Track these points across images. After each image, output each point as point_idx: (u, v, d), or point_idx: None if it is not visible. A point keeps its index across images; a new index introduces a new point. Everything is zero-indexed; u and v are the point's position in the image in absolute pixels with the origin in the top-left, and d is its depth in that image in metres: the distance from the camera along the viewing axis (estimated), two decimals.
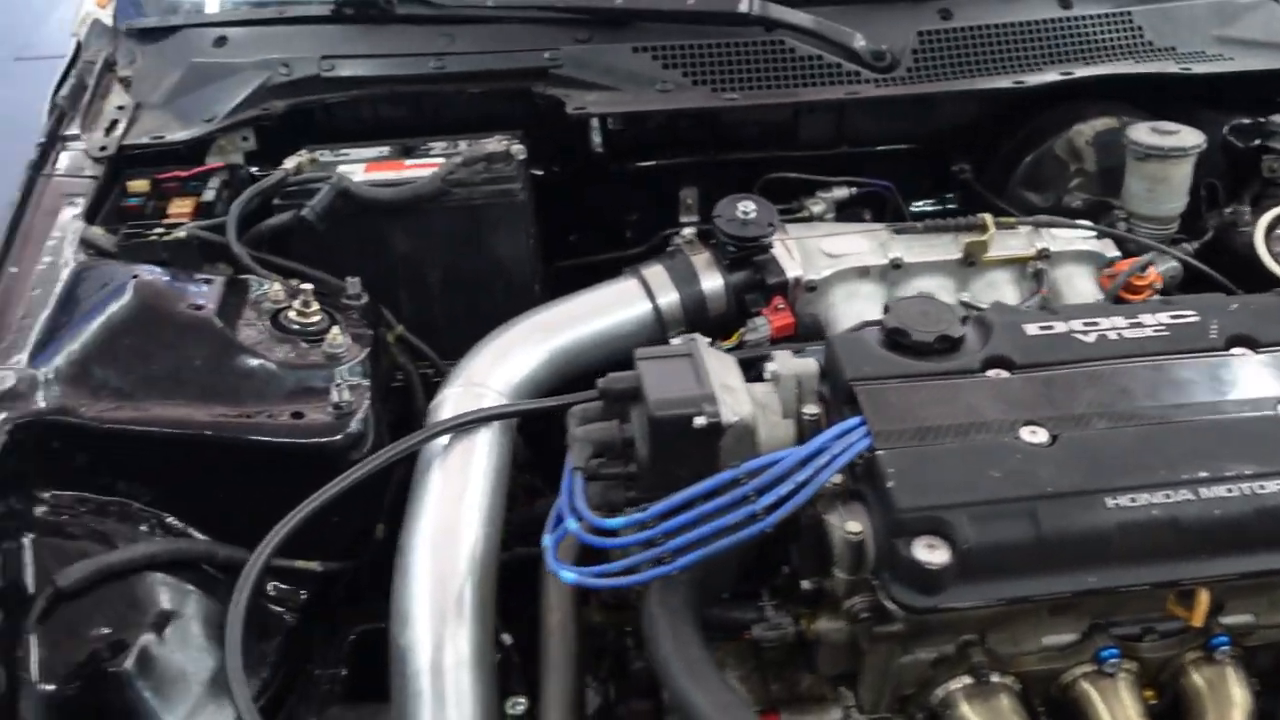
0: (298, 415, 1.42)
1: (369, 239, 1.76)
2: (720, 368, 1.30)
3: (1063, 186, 2.02)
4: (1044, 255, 1.74)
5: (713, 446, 1.24)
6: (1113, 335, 1.28)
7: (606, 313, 1.69)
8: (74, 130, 1.82)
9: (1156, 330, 1.29)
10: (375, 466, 1.38)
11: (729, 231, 1.70)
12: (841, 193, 1.94)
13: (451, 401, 1.54)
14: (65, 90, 1.89)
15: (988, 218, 1.76)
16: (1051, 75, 1.95)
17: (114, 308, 1.45)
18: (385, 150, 1.83)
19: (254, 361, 1.45)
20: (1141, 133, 1.86)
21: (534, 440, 1.68)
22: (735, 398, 1.25)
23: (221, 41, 1.94)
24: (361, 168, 1.79)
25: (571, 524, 1.21)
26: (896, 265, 1.73)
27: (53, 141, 1.78)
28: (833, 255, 1.74)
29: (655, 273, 1.72)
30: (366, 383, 1.48)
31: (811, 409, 1.28)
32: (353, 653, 1.52)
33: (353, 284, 1.63)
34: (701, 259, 1.73)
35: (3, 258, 1.53)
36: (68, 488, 1.37)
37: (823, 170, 1.95)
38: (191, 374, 1.42)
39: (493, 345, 1.63)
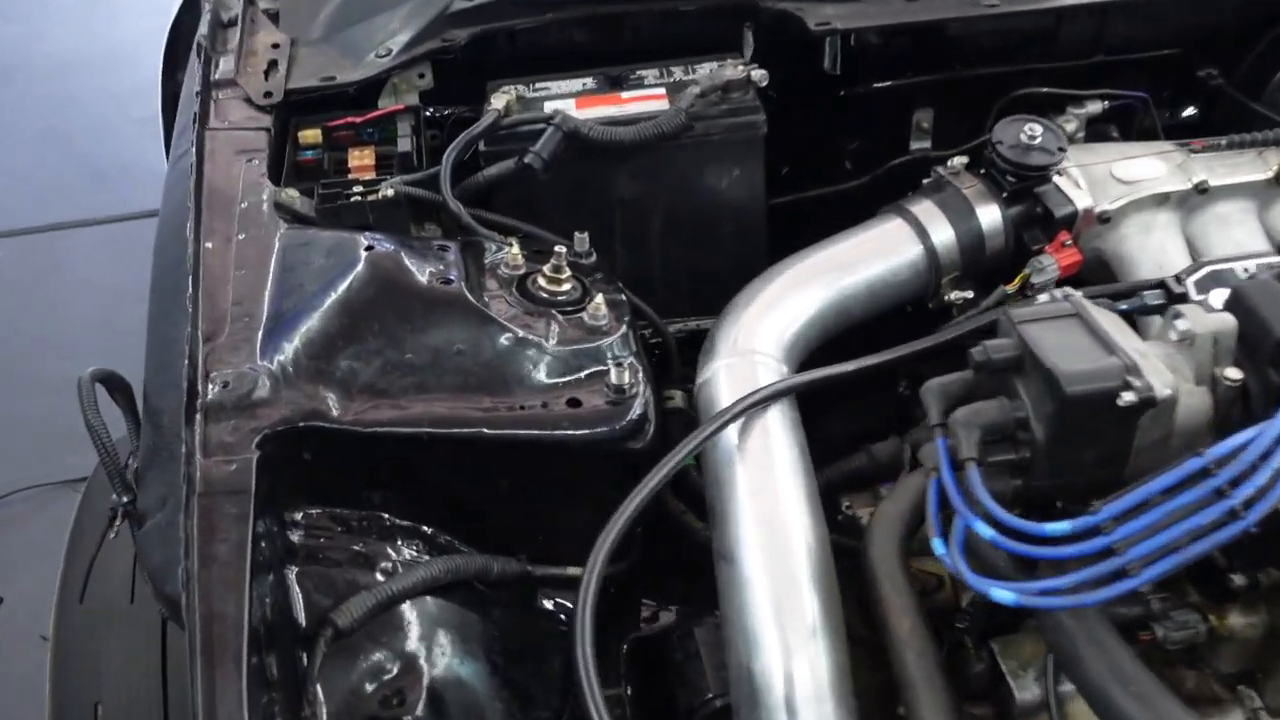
0: (574, 403, 1.20)
1: (587, 185, 1.52)
2: (1116, 329, 1.09)
3: None
4: None
5: (1131, 426, 1.03)
6: None
7: (873, 258, 1.47)
8: (225, 72, 1.56)
9: None
10: (681, 459, 1.17)
11: (1012, 159, 1.46)
12: (1095, 107, 1.70)
13: (726, 374, 1.32)
14: (204, 28, 1.62)
15: None
16: None
17: (350, 286, 1.21)
18: (589, 82, 1.59)
19: (516, 342, 1.22)
20: None
21: None
22: (1153, 366, 1.04)
23: None
24: (570, 104, 1.54)
25: (983, 529, 1.00)
26: (1202, 190, 1.50)
27: (208, 88, 1.52)
28: (1126, 182, 1.51)
29: (924, 209, 1.49)
30: (638, 361, 1.25)
31: (1233, 373, 1.07)
32: (630, 668, 1.32)
33: (581, 240, 1.39)
34: (974, 190, 1.50)
35: (195, 231, 1.28)
36: (319, 504, 1.16)
37: (1068, 83, 1.70)
38: (452, 361, 1.19)
39: (755, 303, 1.40)
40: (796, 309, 1.41)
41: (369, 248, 1.25)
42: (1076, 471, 1.05)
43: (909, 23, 1.56)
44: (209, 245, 1.28)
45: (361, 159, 1.53)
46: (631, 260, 1.57)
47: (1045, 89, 1.68)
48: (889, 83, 1.66)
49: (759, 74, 1.49)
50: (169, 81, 1.87)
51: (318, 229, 1.33)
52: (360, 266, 1.23)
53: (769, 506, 1.18)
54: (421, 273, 1.24)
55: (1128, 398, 1.00)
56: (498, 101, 1.48)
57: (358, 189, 1.38)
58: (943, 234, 1.47)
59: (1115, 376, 1.01)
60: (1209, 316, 1.09)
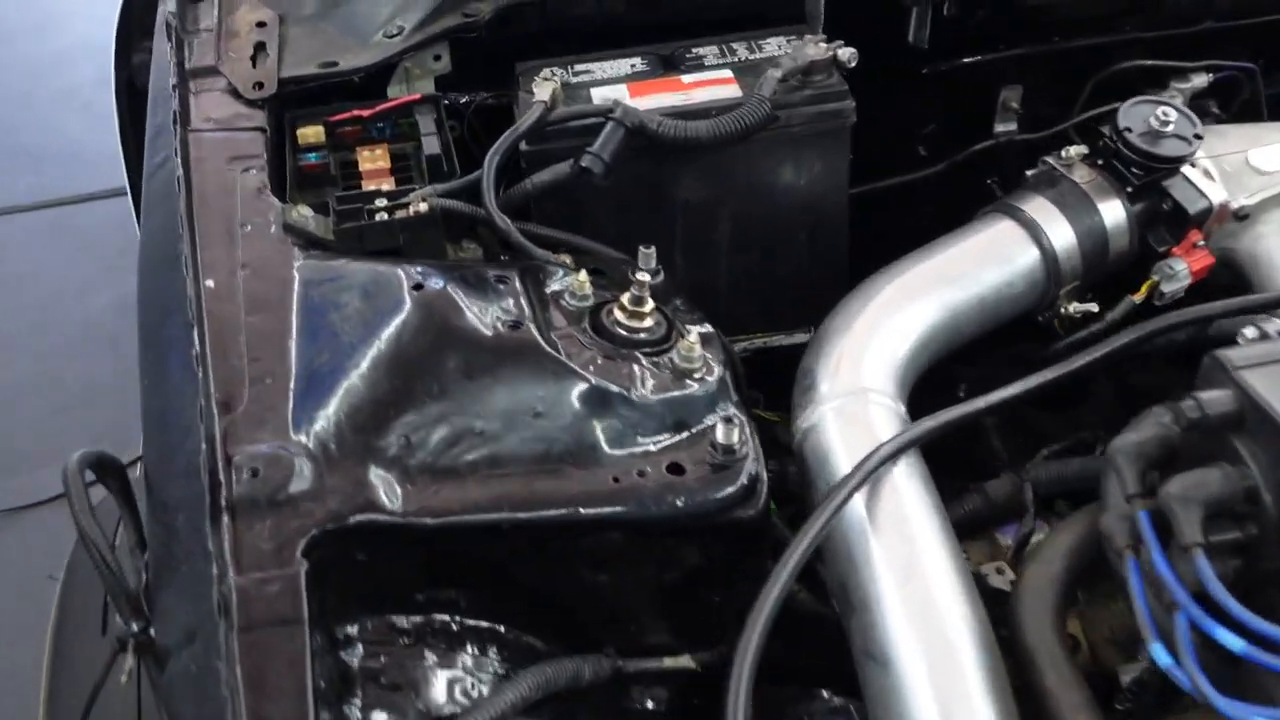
0: (676, 469, 0.99)
1: (644, 187, 1.29)
2: None
3: None
4: None
5: None
6: None
7: (984, 266, 1.27)
8: (202, 59, 1.30)
9: None
10: (823, 528, 0.97)
11: (1141, 147, 1.27)
12: (1201, 80, 1.52)
13: (837, 419, 1.12)
14: (170, 3, 1.35)
15: None
16: None
17: (398, 336, 0.98)
18: (639, 63, 1.35)
19: (603, 396, 1.00)
20: None
21: None
22: None
23: None
24: (622, 90, 1.31)
25: (1230, 639, 0.81)
26: None
27: (184, 79, 1.26)
28: (1266, 172, 1.33)
29: (1038, 206, 1.30)
30: (741, 411, 1.04)
31: None
32: None
33: (647, 257, 1.17)
34: (1093, 184, 1.31)
35: (192, 266, 1.04)
36: (374, 611, 0.93)
37: (1166, 54, 1.51)
38: (529, 426, 0.97)
39: (855, 326, 1.20)
40: (902, 332, 1.21)
41: (417, 286, 1.01)
42: None
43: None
44: (210, 284, 1.03)
45: (374, 161, 1.28)
46: (694, 271, 1.35)
47: (1148, 61, 1.48)
48: (977, 57, 1.45)
49: (847, 53, 1.27)
50: (122, 65, 1.60)
51: (343, 257, 1.09)
52: (409, 310, 0.99)
53: (921, 594, 0.98)
54: (484, 315, 1.01)
55: None
56: (541, 90, 1.24)
57: (380, 202, 1.13)
58: (1062, 236, 1.28)
59: None
60: None
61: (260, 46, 1.31)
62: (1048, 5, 1.37)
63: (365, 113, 1.31)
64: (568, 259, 1.17)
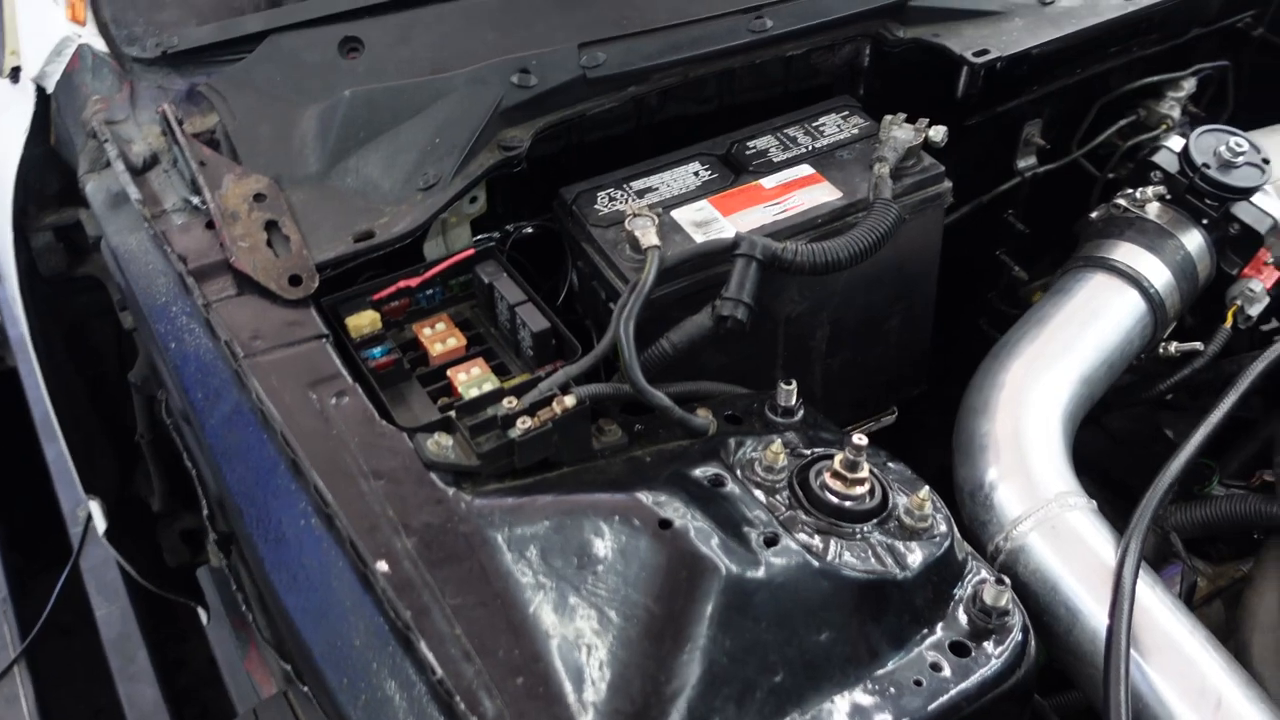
0: (960, 649, 0.90)
1: None
2: None
3: None
4: None
5: None
6: None
7: (1100, 328, 1.25)
8: (200, 254, 1.06)
9: None
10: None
11: (1220, 179, 1.27)
12: (1191, 85, 1.54)
13: (1046, 538, 1.06)
14: (129, 188, 1.09)
15: None
16: None
17: (662, 593, 0.82)
18: (702, 170, 1.21)
19: (875, 591, 0.89)
20: None
21: None
22: None
23: (353, 47, 1.19)
24: (707, 208, 1.17)
25: None
26: None
27: (191, 289, 1.02)
28: None
29: (1127, 252, 1.28)
30: (983, 564, 0.96)
31: None
32: None
33: (788, 394, 1.06)
34: (1170, 219, 1.30)
35: (352, 550, 0.83)
36: None
37: (1159, 67, 1.53)
38: (823, 657, 0.84)
39: (1003, 424, 1.15)
40: (1051, 419, 1.17)
41: (664, 524, 0.85)
42: None
43: (1070, 34, 1.31)
44: (383, 568, 0.83)
45: (443, 340, 1.10)
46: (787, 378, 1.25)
47: (1154, 78, 1.50)
48: (1013, 103, 1.41)
49: (940, 133, 1.19)
50: (21, 249, 1.28)
51: (508, 489, 0.91)
52: (667, 557, 0.84)
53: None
54: (739, 539, 0.87)
55: None
56: (646, 234, 1.08)
57: (511, 403, 0.95)
58: (1160, 276, 1.27)
59: None
60: None
61: (273, 226, 1.07)
62: (1067, 46, 1.34)
63: (413, 282, 1.11)
64: (708, 414, 1.04)
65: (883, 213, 1.11)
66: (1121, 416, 1.46)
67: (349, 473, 0.90)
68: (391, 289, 1.11)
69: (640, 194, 1.19)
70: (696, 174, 1.21)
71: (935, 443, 1.27)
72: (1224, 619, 1.28)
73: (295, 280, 1.05)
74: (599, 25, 1.20)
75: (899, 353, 1.34)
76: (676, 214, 1.16)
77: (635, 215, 1.10)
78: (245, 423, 0.95)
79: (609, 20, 1.21)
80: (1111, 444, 1.52)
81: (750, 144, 1.25)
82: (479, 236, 1.20)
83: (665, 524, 0.86)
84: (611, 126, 1.23)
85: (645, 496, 0.89)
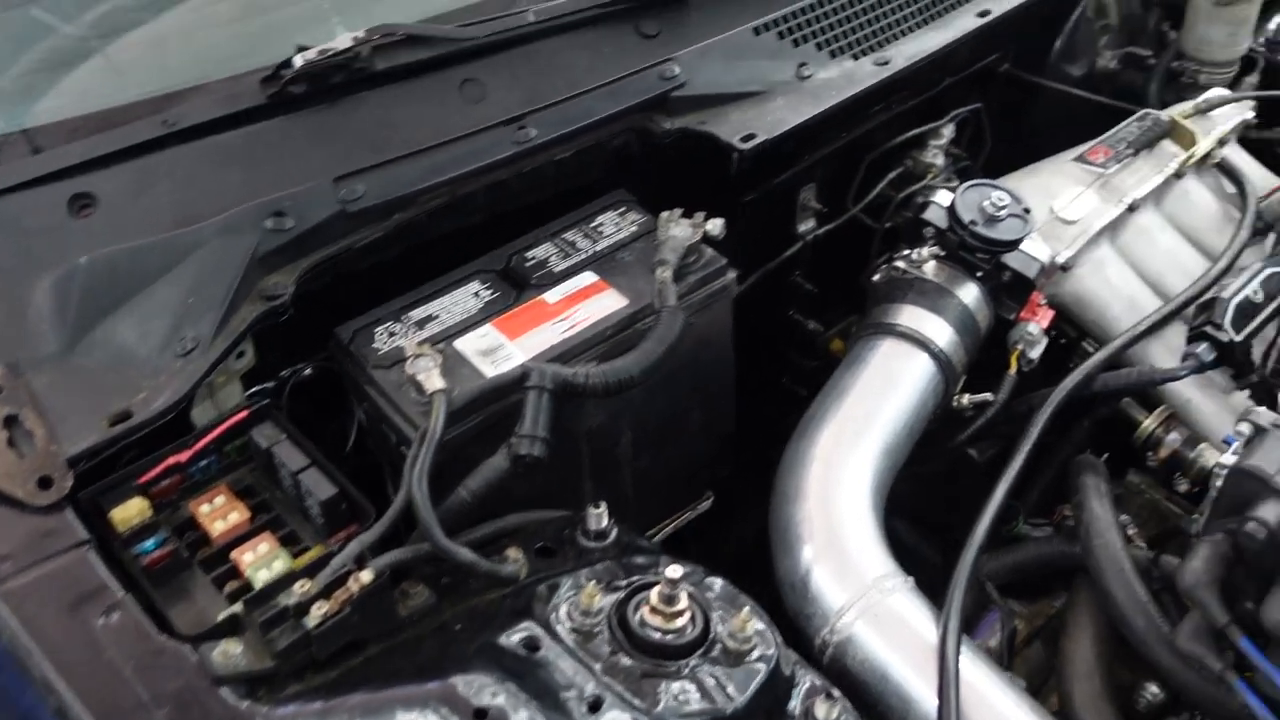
0: None
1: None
2: None
3: (1094, 49, 1.84)
4: (1224, 141, 1.56)
5: None
6: None
7: (895, 396, 1.27)
8: None
9: None
10: None
11: (988, 235, 1.31)
12: (950, 131, 1.60)
13: (870, 627, 1.07)
14: None
15: (1173, 115, 1.54)
16: None
17: None
18: (483, 290, 1.18)
19: None
20: None
21: None
22: None
23: (85, 204, 1.10)
24: (492, 333, 1.13)
25: None
26: (1134, 208, 1.46)
27: None
28: (1072, 221, 1.43)
29: (910, 315, 1.31)
30: (818, 674, 0.96)
31: None
32: None
33: (597, 516, 1.04)
34: (947, 276, 1.34)
35: None
36: None
37: (913, 121, 1.58)
38: None
39: (813, 510, 1.15)
40: (859, 498, 1.18)
41: (480, 713, 0.81)
42: None
43: (835, 108, 1.33)
44: None
45: (224, 516, 1.01)
46: (601, 490, 1.22)
47: (915, 131, 1.54)
48: (786, 174, 1.43)
49: (716, 225, 1.19)
50: None
51: (319, 693, 0.85)
52: None
53: None
54: (574, 712, 0.83)
55: None
56: (428, 375, 1.03)
57: (304, 586, 0.89)
58: (944, 336, 1.30)
59: None
60: None
61: (13, 422, 0.97)
62: (830, 117, 1.36)
63: (183, 456, 1.03)
64: (518, 554, 1.01)
65: (669, 322, 1.10)
66: None
67: (127, 707, 0.82)
68: (159, 468, 1.02)
69: (421, 324, 1.14)
70: (477, 294, 1.18)
71: (755, 504, 1.29)
72: (1044, 659, 1.33)
73: (45, 482, 0.95)
74: (355, 154, 1.14)
75: (705, 442, 1.34)
76: (460, 344, 1.12)
77: (416, 356, 1.06)
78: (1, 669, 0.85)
79: (365, 147, 1.15)
80: (916, 483, 1.56)
81: (529, 254, 1.22)
82: (252, 391, 1.13)
83: (481, 713, 0.82)
84: (382, 253, 1.17)
85: (459, 681, 0.84)
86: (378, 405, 1.10)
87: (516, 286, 1.18)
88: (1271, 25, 1.86)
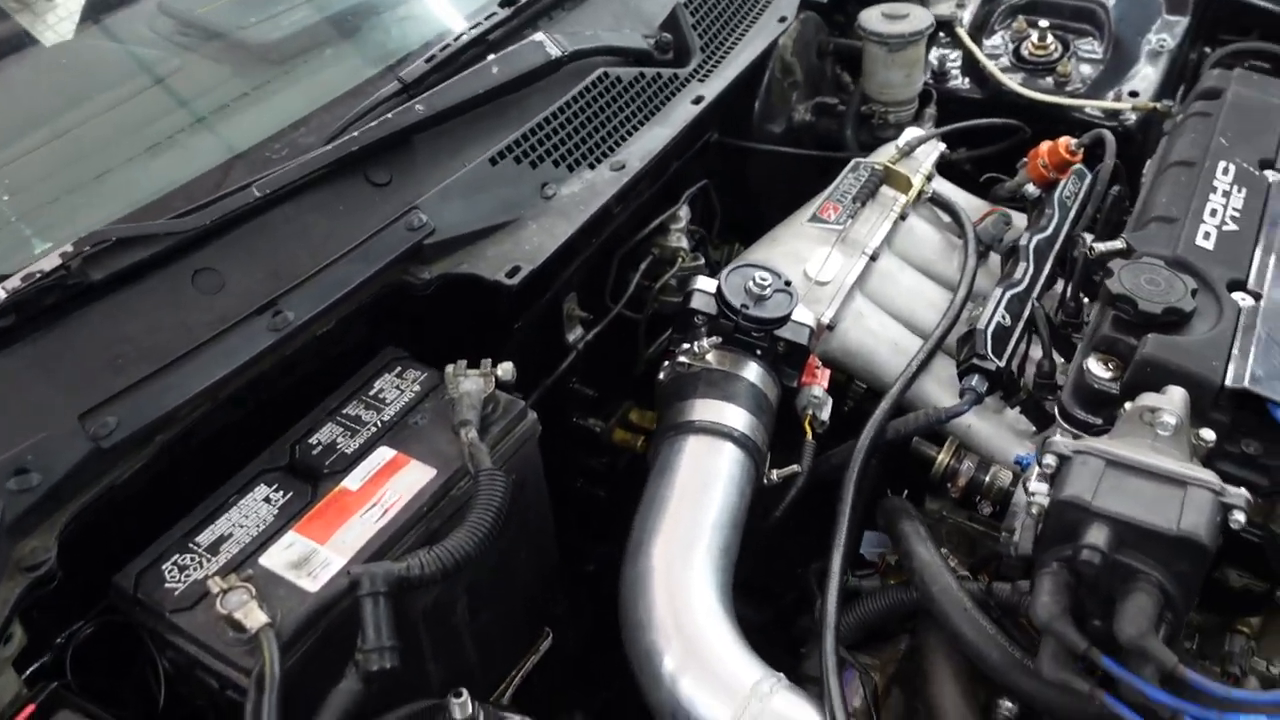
0: None
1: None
2: (1146, 447, 1.09)
3: (789, 105, 1.95)
4: (930, 177, 1.69)
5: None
6: None
7: (715, 494, 1.27)
8: None
9: None
10: None
11: (759, 315, 1.35)
12: (686, 211, 1.65)
13: None
14: None
15: (882, 162, 1.65)
16: None
17: None
18: (274, 493, 1.08)
19: None
20: (880, 22, 1.87)
21: None
22: (1208, 473, 1.07)
23: None
24: (299, 540, 1.04)
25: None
26: (875, 257, 1.55)
27: None
28: (824, 281, 1.50)
29: (706, 407, 1.33)
30: None
31: (1208, 434, 1.15)
32: None
33: (460, 705, 0.99)
34: (732, 361, 1.37)
35: None
36: None
37: (652, 210, 1.62)
38: None
39: (670, 635, 1.14)
40: (711, 607, 1.18)
41: None
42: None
43: (587, 225, 1.33)
44: None
45: None
46: (448, 665, 1.16)
47: (655, 222, 1.58)
48: (549, 293, 1.41)
49: (507, 370, 1.15)
50: None
51: None
52: None
53: None
54: None
55: (1238, 518, 1.03)
56: (245, 612, 0.92)
57: None
58: (742, 420, 1.33)
59: (1218, 507, 1.02)
60: (1171, 396, 1.14)
61: None
62: (586, 228, 1.37)
63: None
64: None
65: (491, 485, 1.05)
66: None
67: None
68: None
69: (213, 549, 1.03)
70: (268, 499, 1.08)
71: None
72: (904, 702, 1.37)
73: None
74: (95, 381, 1.03)
75: (535, 580, 1.30)
76: (267, 561, 1.02)
77: (225, 591, 0.96)
78: None
79: (105, 371, 1.04)
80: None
81: (313, 440, 1.14)
82: (30, 672, 0.98)
83: None
84: (151, 476, 1.06)
85: None
86: (188, 653, 0.98)
87: (310, 480, 1.10)
88: (933, 59, 2.05)
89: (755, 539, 1.40)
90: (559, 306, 1.46)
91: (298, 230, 1.21)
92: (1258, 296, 1.27)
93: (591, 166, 1.43)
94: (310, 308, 1.15)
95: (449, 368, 1.16)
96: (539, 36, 1.44)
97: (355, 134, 1.29)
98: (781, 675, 1.13)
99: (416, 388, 1.20)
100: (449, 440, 1.13)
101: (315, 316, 1.15)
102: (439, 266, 1.26)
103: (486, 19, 1.45)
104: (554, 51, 1.42)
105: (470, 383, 1.14)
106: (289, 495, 1.09)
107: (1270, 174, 1.46)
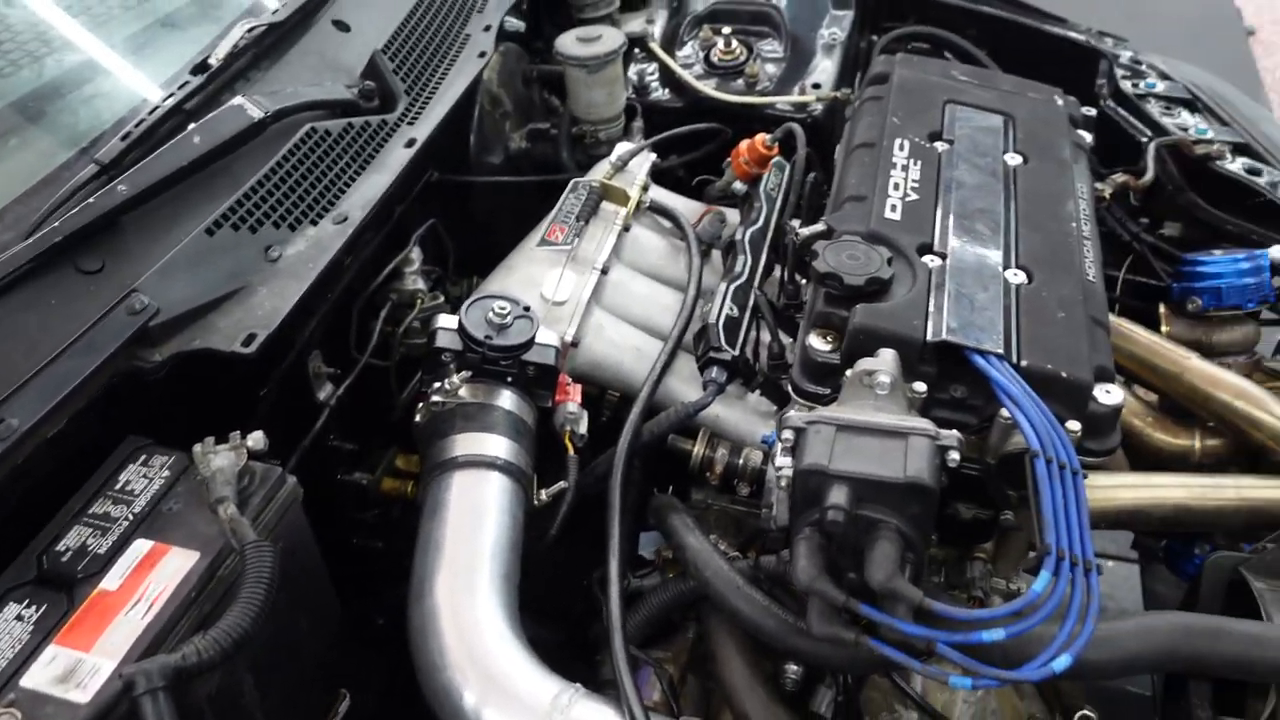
0: None
1: None
2: (869, 407, 1.20)
3: (504, 135, 2.00)
4: (646, 187, 1.78)
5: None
6: None
7: (484, 521, 1.31)
8: None
9: None
10: None
11: (504, 344, 1.40)
12: (418, 254, 1.66)
13: None
14: None
15: (598, 179, 1.72)
16: None
17: None
18: (25, 610, 1.03)
19: None
20: (576, 46, 1.95)
21: None
22: (923, 420, 1.20)
23: None
24: (60, 654, 0.99)
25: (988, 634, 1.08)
26: (605, 270, 1.62)
27: None
28: (561, 301, 1.56)
29: (466, 441, 1.36)
30: None
31: (919, 386, 1.28)
32: None
33: None
34: (484, 392, 1.40)
35: None
36: None
37: (383, 255, 1.63)
38: None
39: (468, 674, 1.17)
40: (502, 634, 1.21)
41: None
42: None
43: (311, 286, 1.32)
44: None
45: None
46: None
47: (390, 267, 1.58)
48: (291, 354, 1.39)
49: (257, 440, 1.14)
50: None
51: None
52: None
53: None
54: None
55: (954, 456, 1.15)
56: None
57: None
58: (503, 448, 1.37)
59: (935, 450, 1.14)
60: (883, 357, 1.26)
61: None
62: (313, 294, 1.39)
63: None
64: None
65: (258, 559, 1.05)
66: None
67: None
68: None
69: None
70: (20, 617, 1.03)
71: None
72: (700, 687, 1.45)
73: None
74: None
75: (323, 645, 1.29)
76: (30, 682, 0.97)
77: None
78: None
79: None
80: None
81: (60, 546, 1.09)
82: None
83: None
84: None
85: None
86: None
87: (64, 588, 1.06)
88: (633, 75, 2.16)
89: (537, 560, 1.45)
90: (304, 366, 1.45)
91: (9, 332, 1.16)
92: (944, 256, 1.43)
93: (314, 223, 1.43)
94: (35, 410, 1.10)
95: (197, 447, 1.14)
96: (238, 100, 1.43)
97: (56, 224, 1.24)
98: (579, 685, 1.18)
99: (166, 473, 1.17)
100: (208, 521, 1.11)
101: (42, 419, 1.10)
102: (169, 346, 1.23)
103: (180, 88, 1.43)
104: (256, 113, 1.41)
105: (221, 458, 1.13)
106: (43, 608, 1.04)
107: (939, 144, 1.64)
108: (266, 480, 1.16)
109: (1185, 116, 2.02)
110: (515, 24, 2.15)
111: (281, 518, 1.16)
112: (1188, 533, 1.70)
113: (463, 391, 1.40)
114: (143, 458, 1.19)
